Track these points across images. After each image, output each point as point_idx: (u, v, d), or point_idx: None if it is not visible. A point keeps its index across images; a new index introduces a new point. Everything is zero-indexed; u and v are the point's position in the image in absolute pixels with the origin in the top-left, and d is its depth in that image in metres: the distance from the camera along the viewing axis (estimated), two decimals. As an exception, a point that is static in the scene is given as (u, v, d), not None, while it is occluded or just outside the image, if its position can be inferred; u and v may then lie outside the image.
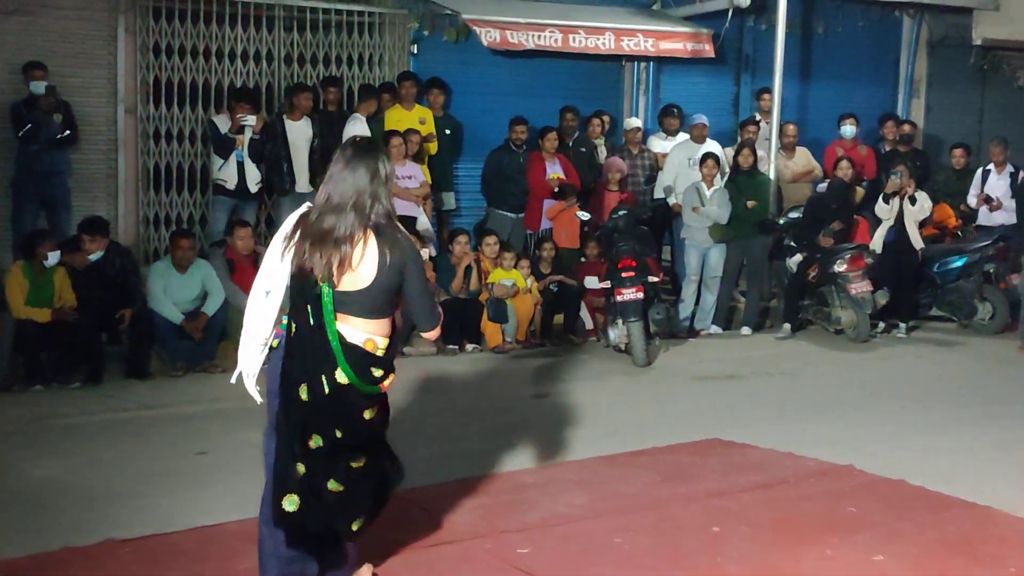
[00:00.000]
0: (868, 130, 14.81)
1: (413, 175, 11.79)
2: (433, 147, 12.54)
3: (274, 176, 11.86)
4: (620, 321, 10.86)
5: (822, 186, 13.43)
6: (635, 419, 8.75)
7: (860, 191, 13.37)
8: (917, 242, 12.36)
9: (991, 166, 13.35)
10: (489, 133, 13.11)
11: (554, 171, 12.56)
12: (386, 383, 4.83)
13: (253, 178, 11.55)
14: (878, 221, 12.51)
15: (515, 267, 11.67)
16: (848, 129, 14.04)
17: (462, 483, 6.97)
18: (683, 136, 13.62)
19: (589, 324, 12.07)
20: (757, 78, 15.14)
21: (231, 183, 11.46)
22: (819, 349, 11.78)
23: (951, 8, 16.38)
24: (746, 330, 12.48)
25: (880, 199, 12.43)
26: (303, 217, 4.67)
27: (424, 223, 11.87)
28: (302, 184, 11.78)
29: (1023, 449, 8.03)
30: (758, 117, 13.90)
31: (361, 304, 4.59)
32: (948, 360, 11.49)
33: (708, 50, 13.93)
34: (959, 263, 12.79)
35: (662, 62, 14.47)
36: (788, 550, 5.92)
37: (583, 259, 12.38)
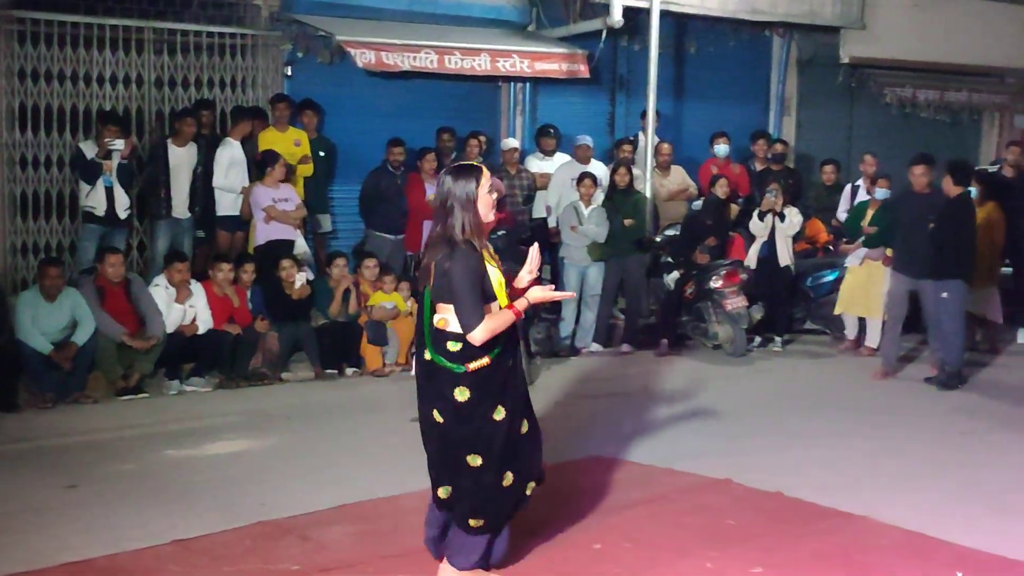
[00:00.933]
0: (741, 148, 15.05)
1: (289, 198, 11.65)
2: (308, 169, 12.41)
3: (151, 200, 11.64)
4: (501, 341, 10.83)
5: (697, 204, 13.62)
6: (516, 439, 8.72)
7: (734, 208, 13.57)
8: (784, 258, 12.56)
9: (860, 181, 13.65)
10: (366, 155, 13.03)
11: (434, 192, 12.49)
12: (472, 364, 5.37)
13: (122, 204, 11.27)
14: (753, 238, 12.70)
15: (395, 289, 11.58)
16: (721, 148, 14.26)
17: (341, 509, 6.89)
18: (562, 156, 13.69)
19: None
20: (632, 98, 15.29)
21: (100, 209, 11.17)
22: (697, 364, 11.90)
23: (819, 28, 16.75)
24: (626, 347, 12.55)
25: (755, 216, 12.63)
26: None
27: (302, 246, 11.76)
28: (179, 210, 11.58)
29: (896, 458, 8.21)
30: (640, 137, 14.00)
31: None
32: (822, 373, 11.69)
33: (583, 70, 14.04)
34: (831, 277, 13.03)
35: (538, 83, 14.54)
36: (669, 565, 5.95)
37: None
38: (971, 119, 19.32)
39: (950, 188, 10.67)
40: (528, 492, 5.65)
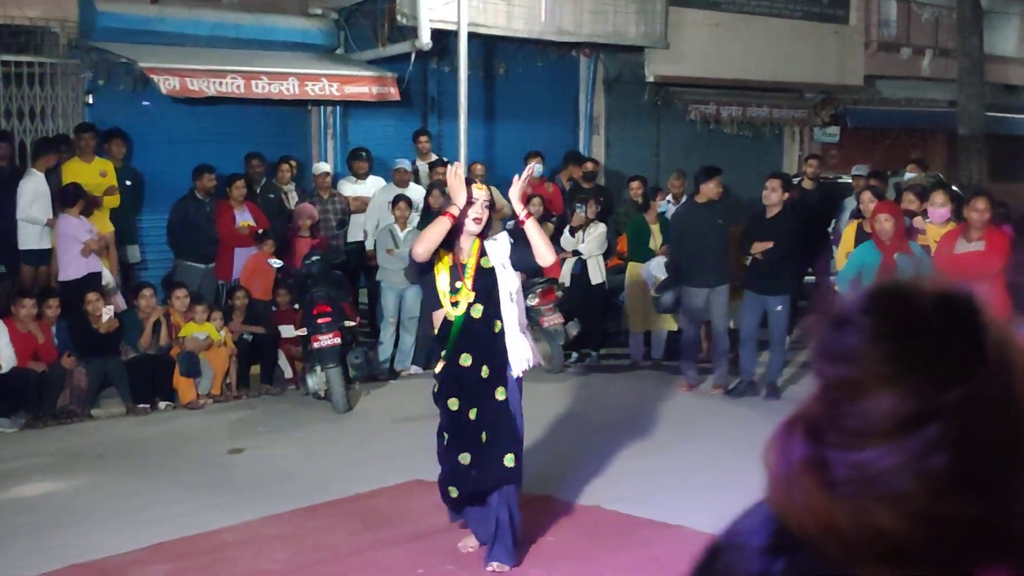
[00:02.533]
0: (554, 167, 15.22)
1: (91, 230, 11.30)
2: (115, 200, 12.07)
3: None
4: (319, 368, 10.73)
5: (511, 223, 13.69)
6: (337, 467, 8.64)
7: (549, 227, 13.69)
8: (595, 276, 12.75)
9: (670, 197, 13.93)
10: (174, 182, 12.71)
11: (244, 219, 12.32)
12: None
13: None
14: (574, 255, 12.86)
15: (208, 319, 11.34)
16: (535, 167, 14.37)
17: (157, 548, 6.71)
18: (375, 179, 13.64)
19: (288, 373, 11.86)
20: (444, 119, 15.34)
21: None
22: (517, 383, 11.96)
23: (624, 47, 17.05)
24: (446, 369, 12.52)
25: (567, 232, 12.79)
26: None
27: (108, 277, 11.42)
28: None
29: (708, 468, 8.38)
30: (443, 158, 14.05)
31: None
32: (637, 387, 11.86)
33: (393, 93, 14.01)
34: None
35: (348, 106, 14.46)
36: (492, 585, 5.95)
37: (274, 308, 12.15)
38: (773, 134, 19.94)
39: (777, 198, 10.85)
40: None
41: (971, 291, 1.17)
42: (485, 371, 6.21)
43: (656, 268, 12.11)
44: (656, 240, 12.48)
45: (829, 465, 1.12)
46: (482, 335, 6.22)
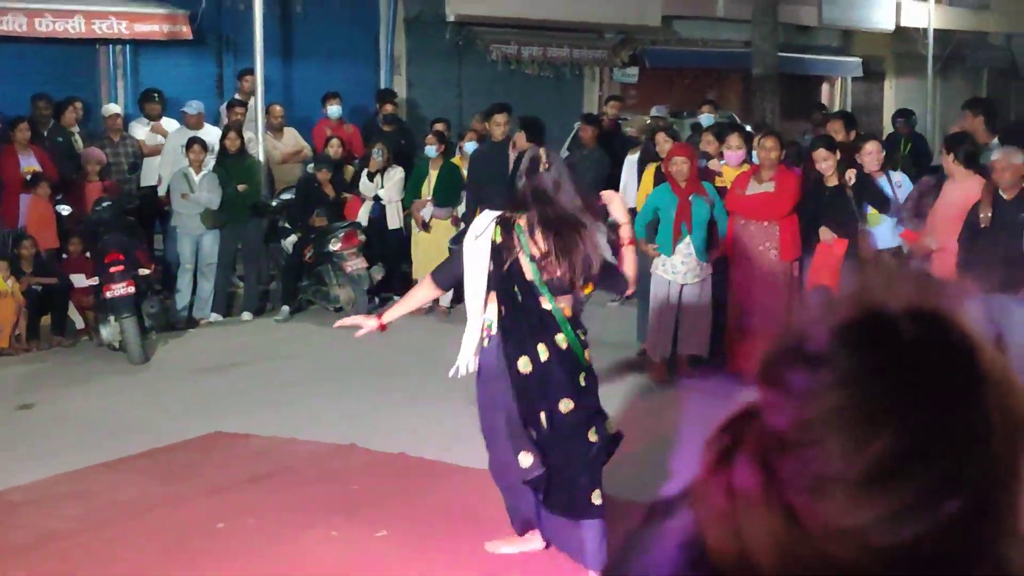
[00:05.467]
0: (356, 108, 15.02)
1: None
2: None
3: None
4: (112, 318, 10.37)
5: (311, 166, 13.47)
6: (133, 420, 8.38)
7: (349, 169, 13.54)
8: (393, 220, 12.67)
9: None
10: (-46, 125, 12.10)
11: (29, 164, 11.77)
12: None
13: None
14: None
15: (-7, 269, 10.84)
16: (334, 109, 14.15)
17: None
18: (169, 121, 13.21)
19: (80, 323, 11.45)
20: (240, 59, 14.93)
21: None
22: (320, 329, 11.77)
23: (425, -14, 16.94)
24: (247, 315, 12.29)
25: (364, 177, 12.66)
26: None
27: None
28: None
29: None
30: (238, 97, 13.71)
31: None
32: (448, 330, 11.85)
33: (186, 31, 13.60)
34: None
35: (139, 45, 13.96)
36: (293, 537, 5.89)
37: (64, 256, 11.69)
38: (573, 74, 20.10)
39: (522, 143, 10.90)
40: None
41: (942, 304, 1.07)
42: None
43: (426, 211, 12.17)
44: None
45: (791, 502, 1.02)
46: None
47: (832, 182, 8.91)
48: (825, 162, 8.94)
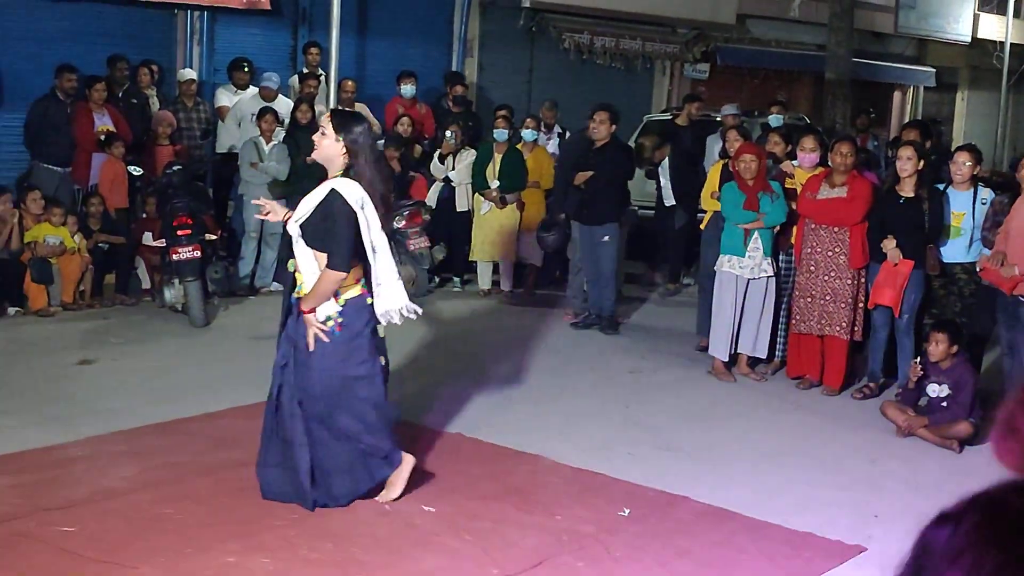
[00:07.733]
0: (427, 88, 15.02)
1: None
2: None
3: None
4: (176, 280, 10.47)
5: (380, 143, 13.48)
6: (191, 383, 8.46)
7: (418, 148, 13.56)
8: (462, 203, 12.68)
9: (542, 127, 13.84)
10: (33, 81, 12.21)
11: (102, 123, 11.89)
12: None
13: None
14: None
15: (63, 224, 10.95)
16: (408, 88, 14.16)
17: (-2, 460, 6.49)
18: (253, 90, 13.28)
19: (146, 283, 11.57)
20: (315, 32, 14.97)
21: None
22: (379, 305, 11.85)
23: (501, -29, 16.91)
24: (307, 286, 12.34)
25: (435, 158, 12.67)
26: None
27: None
28: None
29: (570, 398, 8.45)
30: (306, 71, 13.75)
31: None
32: (503, 312, 11.88)
33: (264, 2, 13.65)
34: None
35: (217, 12, 14.03)
36: (341, 512, 5.92)
37: (143, 215, 11.80)
38: (644, 68, 19.99)
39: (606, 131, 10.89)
40: None
41: None
42: None
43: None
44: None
45: None
46: None
47: (907, 192, 8.70)
48: (909, 161, 8.62)
